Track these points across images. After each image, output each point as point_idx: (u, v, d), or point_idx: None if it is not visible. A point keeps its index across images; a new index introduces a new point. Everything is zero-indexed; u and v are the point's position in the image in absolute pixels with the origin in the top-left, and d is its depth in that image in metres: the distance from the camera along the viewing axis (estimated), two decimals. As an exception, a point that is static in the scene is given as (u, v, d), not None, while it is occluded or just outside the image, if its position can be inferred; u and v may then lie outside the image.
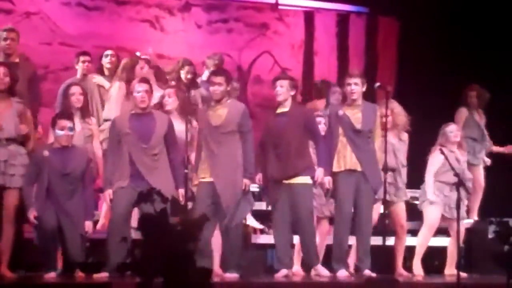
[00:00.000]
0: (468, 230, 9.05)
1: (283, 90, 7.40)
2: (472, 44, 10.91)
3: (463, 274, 7.74)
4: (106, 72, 8.44)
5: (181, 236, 4.99)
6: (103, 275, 6.66)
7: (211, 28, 11.10)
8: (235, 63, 10.84)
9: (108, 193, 6.77)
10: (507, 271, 5.58)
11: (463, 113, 9.39)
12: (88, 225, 6.74)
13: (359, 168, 7.47)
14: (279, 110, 7.36)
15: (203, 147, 7.14)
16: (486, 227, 8.96)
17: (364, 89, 7.70)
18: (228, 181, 6.99)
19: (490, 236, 8.61)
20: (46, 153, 6.76)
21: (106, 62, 8.48)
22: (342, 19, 11.97)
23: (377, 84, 8.12)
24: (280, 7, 11.68)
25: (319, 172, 7.21)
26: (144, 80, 7.12)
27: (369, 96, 9.65)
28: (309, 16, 11.82)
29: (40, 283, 6.15)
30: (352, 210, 7.55)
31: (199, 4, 11.21)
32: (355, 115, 7.56)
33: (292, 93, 7.42)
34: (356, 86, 7.66)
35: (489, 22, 10.85)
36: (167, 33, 10.73)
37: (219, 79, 7.19)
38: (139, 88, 6.95)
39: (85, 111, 7.49)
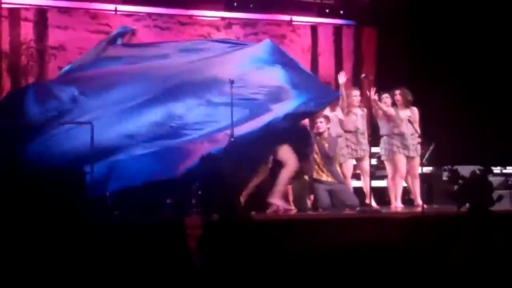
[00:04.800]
0: (429, 174, 10.10)
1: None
2: (435, 40, 11.89)
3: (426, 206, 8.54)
4: None
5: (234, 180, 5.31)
6: None
7: (246, 39, 11.76)
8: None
9: None
10: (456, 203, 6.03)
11: None
12: None
13: (330, 179, 8.92)
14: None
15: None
16: (441, 173, 10.05)
17: (328, 125, 8.84)
18: None
19: (444, 179, 9.46)
20: None
21: None
22: (337, 30, 12.82)
23: (363, 75, 9.79)
24: (293, 23, 12.57)
25: None
26: None
27: (357, 83, 10.79)
28: (313, 28, 12.74)
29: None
30: None
31: (238, 22, 12.19)
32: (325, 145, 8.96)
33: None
34: (321, 123, 8.95)
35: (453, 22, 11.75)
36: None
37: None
38: None
39: None
